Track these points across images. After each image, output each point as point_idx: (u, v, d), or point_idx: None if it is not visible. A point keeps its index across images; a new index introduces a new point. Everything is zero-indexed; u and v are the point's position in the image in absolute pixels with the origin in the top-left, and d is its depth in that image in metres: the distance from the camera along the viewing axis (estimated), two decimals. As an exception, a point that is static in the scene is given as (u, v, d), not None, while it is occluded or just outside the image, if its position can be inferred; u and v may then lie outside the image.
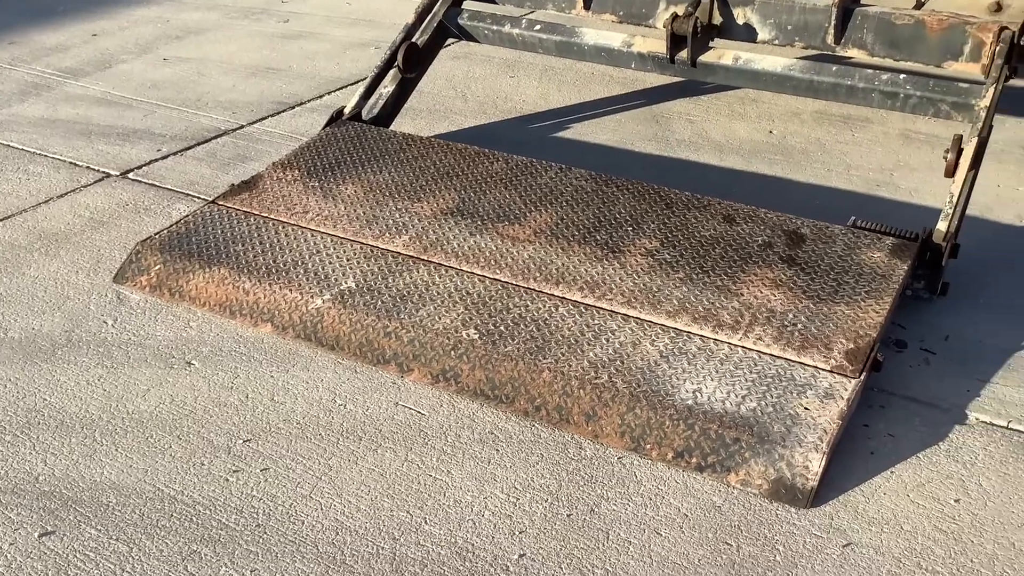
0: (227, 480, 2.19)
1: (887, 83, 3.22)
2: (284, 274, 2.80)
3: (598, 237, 2.88)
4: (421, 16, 3.79)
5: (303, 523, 2.07)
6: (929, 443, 2.31)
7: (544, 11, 3.93)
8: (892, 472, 2.22)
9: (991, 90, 3.01)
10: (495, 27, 3.79)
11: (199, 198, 3.42)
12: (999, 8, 3.42)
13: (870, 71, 3.26)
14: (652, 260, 2.76)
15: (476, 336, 2.55)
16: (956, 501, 2.14)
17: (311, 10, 5.77)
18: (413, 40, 3.71)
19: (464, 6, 3.88)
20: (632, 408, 2.33)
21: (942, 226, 2.78)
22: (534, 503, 2.13)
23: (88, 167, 3.70)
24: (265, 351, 2.63)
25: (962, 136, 2.91)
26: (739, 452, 2.22)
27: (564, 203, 3.05)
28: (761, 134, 4.03)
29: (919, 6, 3.57)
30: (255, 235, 2.95)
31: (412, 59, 3.69)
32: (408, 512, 2.09)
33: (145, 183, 3.57)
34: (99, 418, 2.38)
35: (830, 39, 3.32)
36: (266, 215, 3.03)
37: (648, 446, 2.28)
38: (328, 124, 3.55)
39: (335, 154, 3.34)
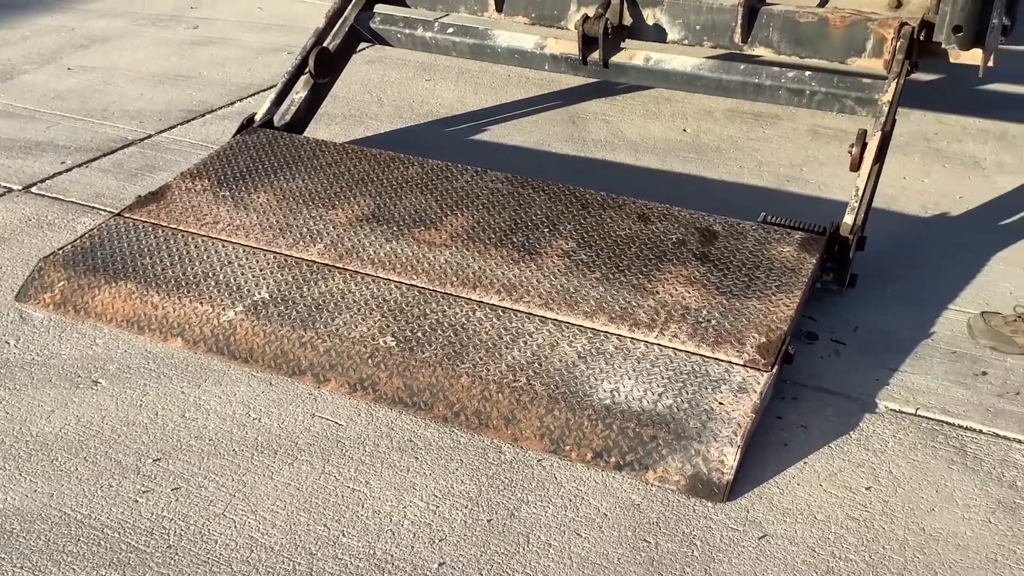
0: (136, 501, 2.12)
1: (793, 80, 3.28)
2: (194, 287, 2.73)
3: (515, 239, 2.87)
4: (332, 20, 3.74)
5: (216, 542, 2.01)
6: (841, 433, 2.36)
7: (457, 14, 3.92)
8: (805, 463, 2.26)
9: (893, 85, 3.09)
10: (407, 30, 3.77)
11: (105, 211, 3.32)
12: (899, 5, 3.52)
13: (776, 69, 3.32)
14: (569, 261, 2.77)
15: (393, 343, 2.52)
16: (867, 489, 2.19)
17: (222, 16, 5.66)
18: (324, 45, 3.66)
19: (376, 9, 3.84)
20: (551, 410, 2.33)
21: (848, 219, 2.85)
22: (454, 510, 2.11)
23: (-12, 181, 3.57)
24: (176, 366, 2.56)
25: (866, 131, 2.98)
26: (656, 449, 2.23)
27: (480, 206, 3.04)
28: (675, 133, 4.07)
29: (823, 4, 3.66)
30: (163, 247, 2.88)
31: (324, 64, 3.64)
32: (325, 525, 2.06)
33: (49, 197, 3.45)
34: (1, 442, 2.29)
35: (737, 38, 3.38)
36: (174, 227, 2.96)
37: (567, 447, 2.28)
38: (239, 132, 3.48)
39: (246, 162, 3.27)
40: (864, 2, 3.55)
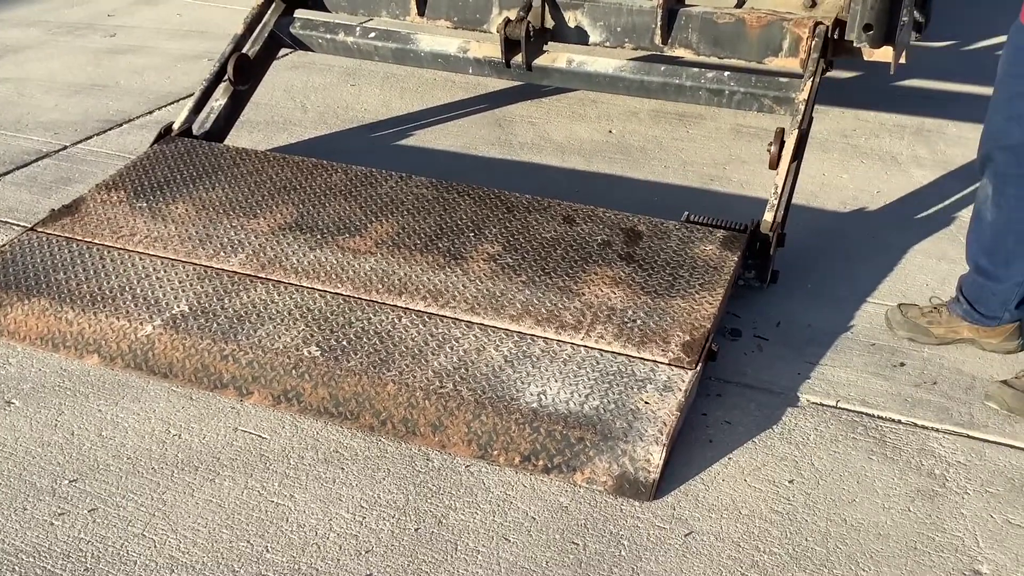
0: (52, 524, 2.05)
1: (712, 81, 3.32)
2: (111, 301, 2.66)
3: (440, 245, 2.86)
4: (251, 26, 3.68)
5: (135, 563, 1.96)
6: (764, 427, 2.39)
7: (379, 18, 3.89)
8: (730, 458, 2.29)
9: (808, 83, 3.14)
10: (329, 35, 3.73)
11: (18, 226, 3.22)
12: (814, 4, 3.58)
13: (696, 70, 3.36)
14: (495, 265, 2.76)
15: (318, 353, 2.49)
16: (790, 482, 2.22)
17: (140, 23, 5.54)
18: (243, 51, 3.61)
19: (296, 15, 3.79)
20: (478, 415, 2.32)
21: (768, 217, 2.89)
22: (381, 520, 2.09)
23: None
24: (92, 384, 2.49)
25: (784, 129, 3.03)
26: (584, 451, 2.24)
27: (405, 212, 3.01)
28: (601, 134, 4.10)
29: (740, 4, 3.71)
30: (78, 262, 2.80)
31: (243, 70, 3.58)
32: (248, 542, 2.02)
33: (-42, 212, 3.34)
34: (-94, 469, 2.20)
35: (658, 39, 3.41)
36: (90, 240, 2.88)
37: (495, 452, 2.27)
38: (156, 141, 3.41)
39: (164, 172, 3.20)
40: (780, 2, 3.62)
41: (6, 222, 3.27)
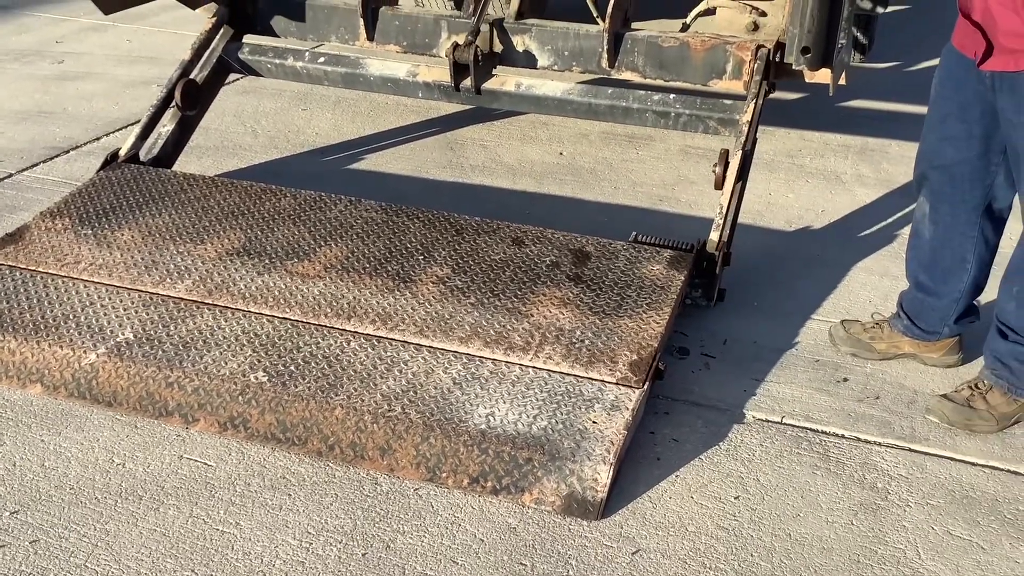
0: (-10, 558, 2.02)
1: (659, 103, 3.37)
2: (54, 330, 2.62)
3: (389, 268, 2.86)
4: (199, 51, 3.67)
5: (76, 596, 1.93)
6: (711, 444, 2.42)
7: (329, 43, 3.89)
8: (677, 476, 2.31)
9: (752, 105, 3.20)
10: (278, 60, 3.73)
11: (-40, 254, 3.16)
12: (756, 28, 3.66)
13: (643, 92, 3.41)
14: (444, 287, 2.77)
15: (265, 378, 2.47)
16: (736, 498, 2.24)
17: (88, 50, 5.49)
18: (191, 76, 3.59)
19: (245, 40, 3.79)
20: (426, 438, 2.32)
21: (714, 236, 2.93)
22: (328, 546, 2.07)
23: None
24: (35, 414, 2.46)
25: (728, 150, 3.08)
26: (532, 471, 2.24)
27: (355, 236, 3.01)
28: (552, 156, 4.13)
29: (684, 29, 3.78)
30: (21, 290, 2.76)
31: (191, 96, 3.56)
32: (193, 571, 1.99)
33: (-103, 241, 3.27)
34: None
35: (605, 63, 3.46)
36: (33, 268, 2.84)
37: (444, 474, 2.27)
38: (102, 168, 3.38)
39: (110, 199, 3.17)
40: (723, 27, 3.68)
41: (-52, 251, 3.21)
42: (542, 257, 2.92)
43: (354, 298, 2.73)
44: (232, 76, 3.89)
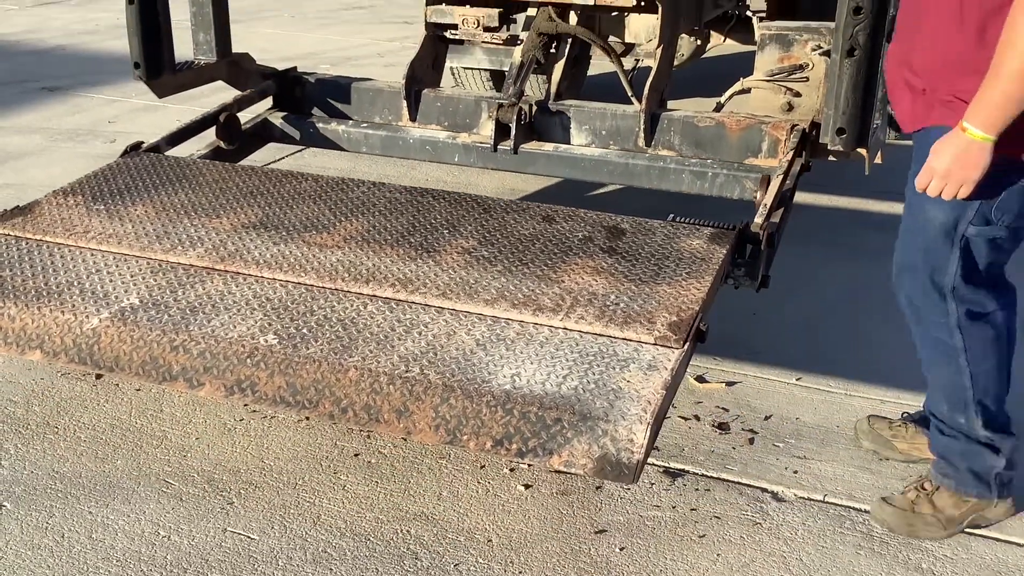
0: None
1: (696, 164, 3.33)
2: (56, 296, 2.49)
3: (412, 240, 2.70)
4: (242, 105, 3.61)
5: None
6: (753, 522, 2.32)
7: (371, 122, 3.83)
8: (719, 555, 2.22)
9: (778, 179, 3.02)
10: (320, 124, 3.70)
11: None
12: (791, 108, 3.59)
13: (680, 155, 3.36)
14: (469, 257, 2.61)
15: (275, 341, 2.30)
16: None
17: (140, 129, 5.47)
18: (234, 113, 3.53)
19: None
20: (446, 399, 2.13)
21: (759, 219, 2.77)
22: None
23: None
24: (84, 486, 2.47)
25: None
26: (561, 432, 2.04)
27: (377, 212, 2.87)
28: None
29: (719, 108, 3.77)
30: (25, 259, 2.64)
31: (232, 129, 3.51)
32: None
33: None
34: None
35: (641, 142, 3.44)
36: (40, 238, 2.73)
37: (465, 437, 2.07)
38: (122, 155, 3.29)
39: (125, 180, 3.07)
40: (758, 106, 3.60)
41: None
42: (574, 232, 2.75)
43: (373, 265, 2.57)
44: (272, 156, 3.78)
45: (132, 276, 2.55)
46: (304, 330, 2.34)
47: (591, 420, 2.05)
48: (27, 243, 2.71)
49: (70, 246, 2.69)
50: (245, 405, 2.83)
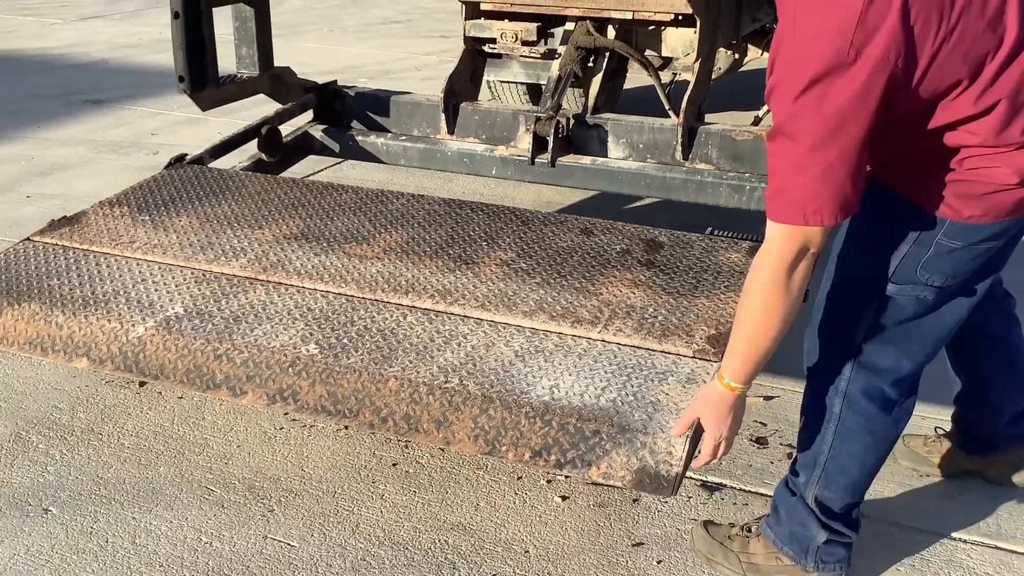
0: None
1: (734, 177, 3.32)
2: (103, 305, 2.53)
3: (451, 252, 2.73)
4: (283, 118, 3.66)
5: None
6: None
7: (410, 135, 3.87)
8: None
9: None
10: (360, 137, 3.73)
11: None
12: None
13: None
14: (508, 269, 2.62)
15: (317, 351, 2.33)
16: None
17: (182, 141, 5.55)
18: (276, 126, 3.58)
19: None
20: (485, 410, 2.14)
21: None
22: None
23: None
24: (127, 492, 2.51)
25: None
26: (599, 444, 2.04)
27: (416, 224, 2.90)
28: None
29: (756, 122, 3.72)
30: (73, 268, 2.69)
31: (274, 142, 3.55)
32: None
33: None
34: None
35: (679, 155, 3.43)
36: (87, 248, 2.78)
37: (504, 447, 2.08)
38: (167, 167, 3.34)
39: (170, 192, 3.13)
40: None
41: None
42: (612, 245, 2.76)
43: (413, 276, 2.59)
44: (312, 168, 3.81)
45: (177, 286, 2.60)
46: (345, 340, 2.36)
47: (630, 432, 2.05)
48: (74, 252, 2.76)
49: (116, 256, 2.74)
50: (286, 414, 2.86)
